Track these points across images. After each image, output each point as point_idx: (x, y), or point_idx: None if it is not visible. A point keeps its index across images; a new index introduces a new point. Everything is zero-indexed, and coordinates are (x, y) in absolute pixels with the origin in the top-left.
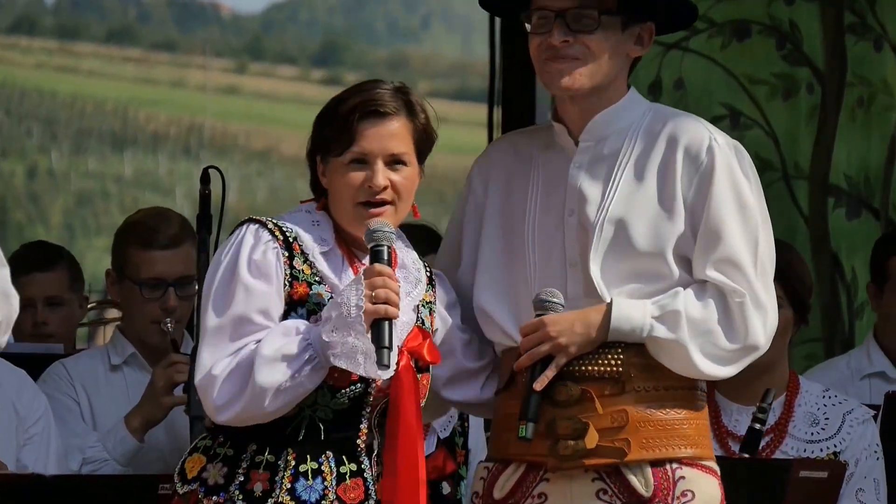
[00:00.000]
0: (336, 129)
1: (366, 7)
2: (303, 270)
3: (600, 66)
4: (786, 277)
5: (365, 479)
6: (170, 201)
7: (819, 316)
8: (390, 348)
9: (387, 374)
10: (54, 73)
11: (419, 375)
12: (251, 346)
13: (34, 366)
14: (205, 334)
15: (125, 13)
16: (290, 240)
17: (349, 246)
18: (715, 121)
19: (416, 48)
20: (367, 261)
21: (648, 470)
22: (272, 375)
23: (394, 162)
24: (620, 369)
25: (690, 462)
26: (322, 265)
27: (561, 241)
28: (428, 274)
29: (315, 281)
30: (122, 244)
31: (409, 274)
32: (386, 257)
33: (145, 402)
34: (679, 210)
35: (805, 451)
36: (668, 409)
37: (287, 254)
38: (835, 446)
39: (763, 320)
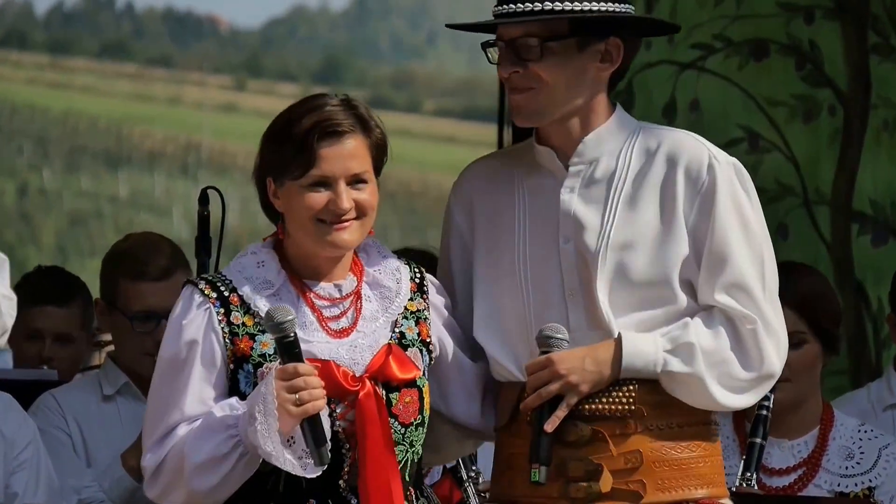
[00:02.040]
0: (292, 152)
1: (369, 23)
2: (244, 323)
3: (558, 93)
4: (811, 308)
5: None
6: (167, 222)
7: (845, 347)
8: (325, 442)
9: (320, 470)
10: (46, 89)
11: (395, 394)
12: (180, 430)
13: (26, 393)
14: (147, 410)
15: (119, 27)
16: (227, 294)
17: (301, 278)
18: (732, 143)
19: (421, 65)
20: (319, 290)
21: None
22: (207, 480)
23: (355, 181)
24: (632, 407)
25: (707, 501)
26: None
27: (557, 271)
28: (417, 281)
29: (259, 331)
30: (111, 275)
31: (383, 290)
32: (297, 348)
33: None
34: (682, 233)
35: (839, 485)
36: (682, 448)
37: (223, 310)
38: (870, 481)
39: (776, 345)
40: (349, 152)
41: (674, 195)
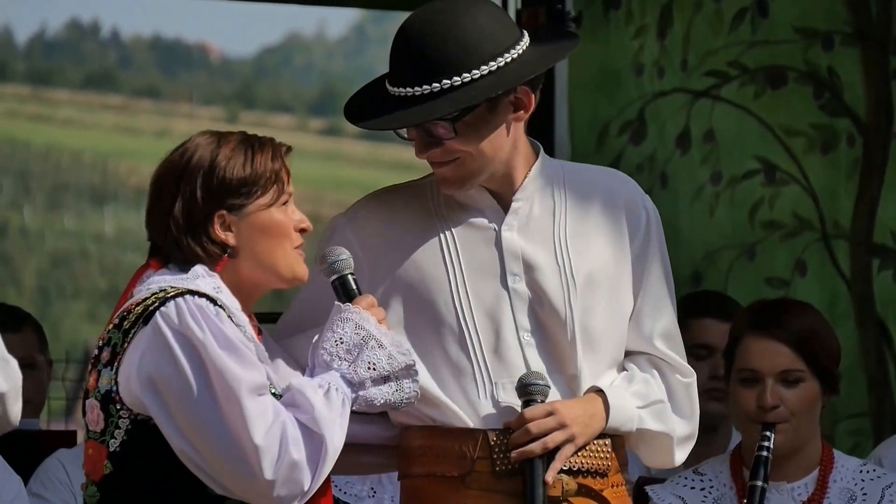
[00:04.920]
0: (264, 174)
1: (367, 51)
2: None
3: (482, 157)
4: (808, 345)
5: None
6: None
7: (865, 389)
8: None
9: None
10: (27, 123)
11: None
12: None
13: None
14: (243, 420)
15: (104, 57)
16: (229, 315)
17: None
18: (749, 175)
19: None
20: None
21: None
22: (341, 434)
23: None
24: (609, 463)
25: None
26: (251, 336)
27: (508, 312)
28: None
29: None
30: None
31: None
32: (355, 285)
33: None
34: (629, 275)
35: None
36: None
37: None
38: None
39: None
40: None
41: (620, 235)
